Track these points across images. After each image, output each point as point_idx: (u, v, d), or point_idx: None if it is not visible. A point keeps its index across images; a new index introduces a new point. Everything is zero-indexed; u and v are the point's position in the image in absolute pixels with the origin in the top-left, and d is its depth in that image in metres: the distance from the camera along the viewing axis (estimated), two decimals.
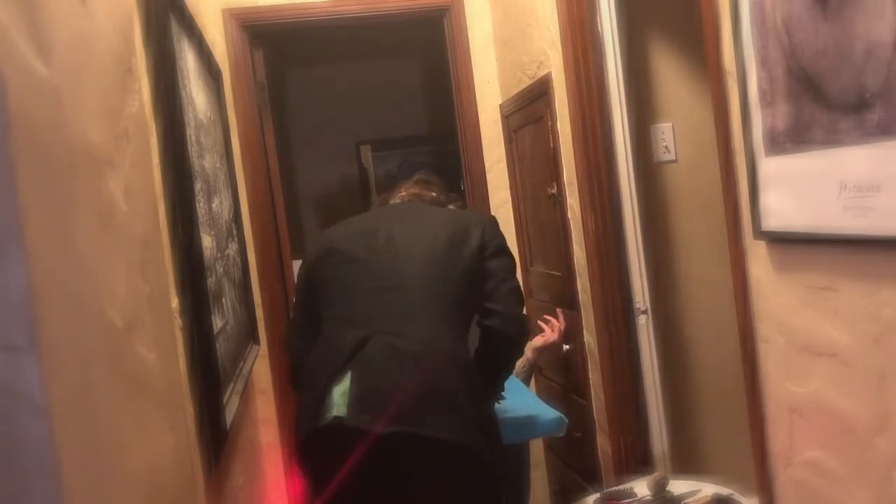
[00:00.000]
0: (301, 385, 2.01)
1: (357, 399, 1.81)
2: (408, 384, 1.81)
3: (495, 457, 1.90)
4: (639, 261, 2.49)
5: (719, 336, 2.52)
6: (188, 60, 1.97)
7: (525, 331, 2.13)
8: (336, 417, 1.81)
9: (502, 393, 2.45)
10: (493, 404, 2.19)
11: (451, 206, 2.32)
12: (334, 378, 1.86)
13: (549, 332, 2.87)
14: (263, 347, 2.98)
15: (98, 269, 1.00)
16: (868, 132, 1.14)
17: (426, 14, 3.42)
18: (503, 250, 2.10)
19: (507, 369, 2.20)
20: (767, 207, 1.43)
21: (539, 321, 2.97)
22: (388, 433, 1.78)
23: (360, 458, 1.81)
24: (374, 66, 5.21)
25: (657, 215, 2.64)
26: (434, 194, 2.31)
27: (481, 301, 2.03)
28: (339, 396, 1.83)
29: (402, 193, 2.31)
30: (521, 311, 2.10)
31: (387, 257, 2.02)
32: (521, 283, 2.15)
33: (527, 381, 2.88)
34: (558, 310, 2.89)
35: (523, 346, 2.18)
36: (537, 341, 2.91)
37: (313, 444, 1.88)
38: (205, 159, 2.08)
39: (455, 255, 2.01)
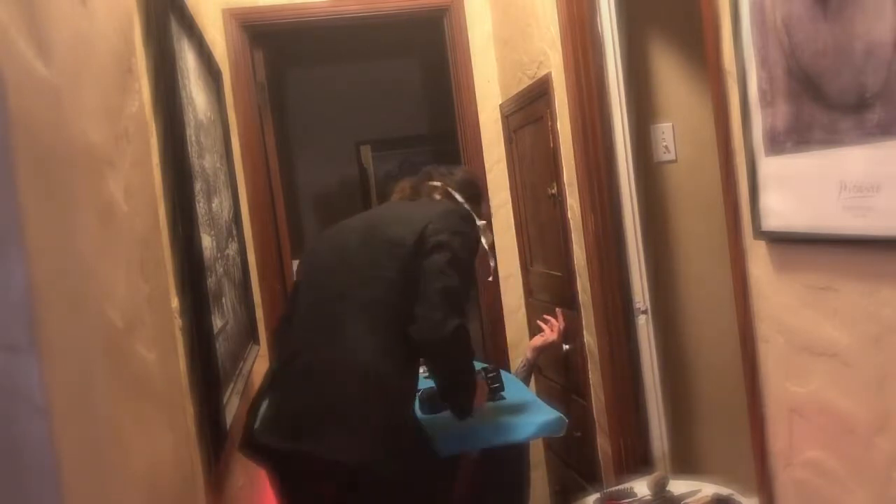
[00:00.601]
0: None
1: (269, 417, 1.88)
2: (311, 402, 1.83)
3: (405, 473, 1.80)
4: (639, 261, 2.49)
5: (719, 336, 2.52)
6: (188, 60, 1.97)
7: (449, 335, 1.81)
8: (255, 431, 1.88)
9: (502, 393, 2.46)
10: (458, 418, 2.01)
11: (436, 196, 2.15)
12: (263, 395, 1.95)
13: (548, 331, 2.87)
14: (263, 347, 2.98)
15: (98, 269, 1.00)
16: (868, 132, 1.14)
17: (426, 14, 3.42)
18: (442, 246, 1.86)
19: (450, 383, 1.96)
20: (767, 207, 1.43)
21: (538, 321, 2.98)
22: (287, 450, 1.82)
23: (270, 473, 1.93)
24: (374, 66, 5.20)
25: (657, 215, 2.64)
26: (434, 183, 2.20)
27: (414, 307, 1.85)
28: (262, 412, 1.91)
29: (402, 187, 2.26)
30: (446, 313, 1.81)
31: (339, 265, 1.99)
32: (459, 282, 1.89)
33: (526, 381, 2.88)
34: (557, 309, 2.89)
35: (457, 354, 1.89)
36: (536, 341, 2.91)
37: (246, 454, 1.94)
38: (205, 159, 2.08)
39: (390, 258, 1.89)
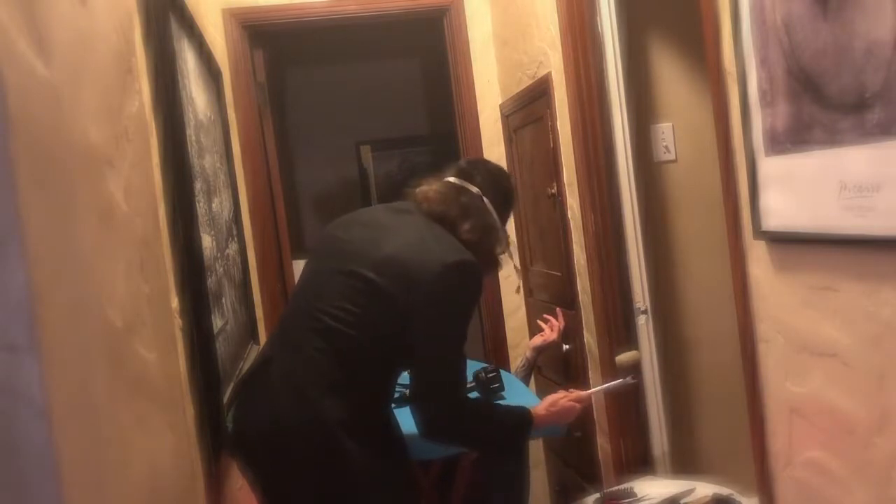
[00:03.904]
0: None
1: (232, 430, 1.85)
2: (259, 426, 1.80)
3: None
4: (639, 261, 2.49)
5: (719, 336, 2.51)
6: (188, 60, 1.97)
7: (444, 431, 1.85)
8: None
9: (502, 393, 2.46)
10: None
11: (463, 225, 1.88)
12: (234, 399, 1.91)
13: (548, 331, 2.87)
14: None
15: (98, 269, 1.00)
16: (868, 132, 1.14)
17: (426, 14, 3.42)
18: (435, 323, 1.78)
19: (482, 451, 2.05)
20: (767, 207, 1.43)
21: (538, 320, 2.98)
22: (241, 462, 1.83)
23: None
24: (374, 66, 5.20)
25: (657, 215, 2.64)
26: (466, 195, 1.93)
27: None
28: (230, 419, 1.88)
29: (430, 185, 1.96)
30: (438, 406, 1.81)
31: (316, 275, 1.91)
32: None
33: (526, 381, 2.88)
34: (557, 309, 2.89)
35: (462, 436, 1.92)
36: (536, 340, 2.91)
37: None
38: (205, 159, 2.08)
39: (365, 297, 1.78)
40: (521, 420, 1.97)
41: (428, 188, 1.95)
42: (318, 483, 1.75)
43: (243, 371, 2.21)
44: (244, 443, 1.83)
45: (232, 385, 2.01)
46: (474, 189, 1.94)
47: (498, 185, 2.01)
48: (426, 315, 1.76)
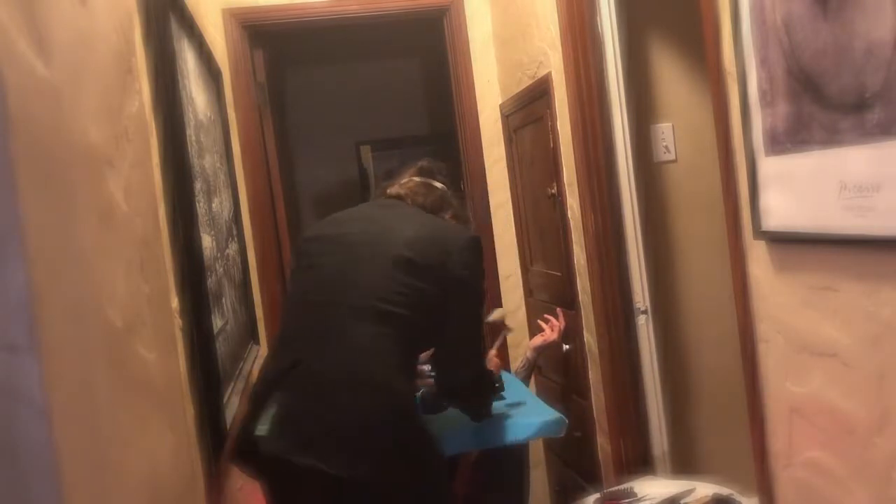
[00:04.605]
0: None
1: (276, 426, 1.78)
2: (322, 413, 1.76)
3: (414, 484, 1.78)
4: (639, 261, 2.49)
5: (719, 336, 2.52)
6: (188, 60, 1.97)
7: (473, 386, 2.05)
8: (259, 437, 1.78)
9: (502, 393, 2.46)
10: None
11: (446, 215, 2.10)
12: (261, 402, 1.84)
13: (548, 331, 2.87)
14: (263, 347, 2.98)
15: (98, 269, 1.00)
16: (868, 132, 1.14)
17: (426, 14, 3.42)
18: (466, 286, 1.93)
19: (473, 413, 2.15)
20: (767, 207, 1.43)
21: (539, 320, 2.98)
22: (298, 463, 1.75)
23: (273, 483, 1.84)
24: (374, 66, 5.20)
25: (657, 215, 2.65)
26: (437, 190, 2.10)
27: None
28: (267, 418, 1.81)
29: (402, 185, 2.11)
30: (469, 364, 1.99)
31: (351, 272, 1.90)
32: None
33: (526, 381, 2.88)
34: (558, 309, 2.89)
35: (479, 400, 2.12)
36: (537, 340, 2.91)
37: (242, 457, 1.85)
38: (205, 159, 2.08)
39: (410, 275, 1.85)
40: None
41: (401, 186, 2.11)
42: (404, 462, 1.77)
43: (244, 370, 2.21)
44: (299, 444, 1.75)
45: (250, 392, 1.95)
46: (439, 185, 2.12)
47: (454, 182, 2.24)
48: (460, 281, 1.89)
